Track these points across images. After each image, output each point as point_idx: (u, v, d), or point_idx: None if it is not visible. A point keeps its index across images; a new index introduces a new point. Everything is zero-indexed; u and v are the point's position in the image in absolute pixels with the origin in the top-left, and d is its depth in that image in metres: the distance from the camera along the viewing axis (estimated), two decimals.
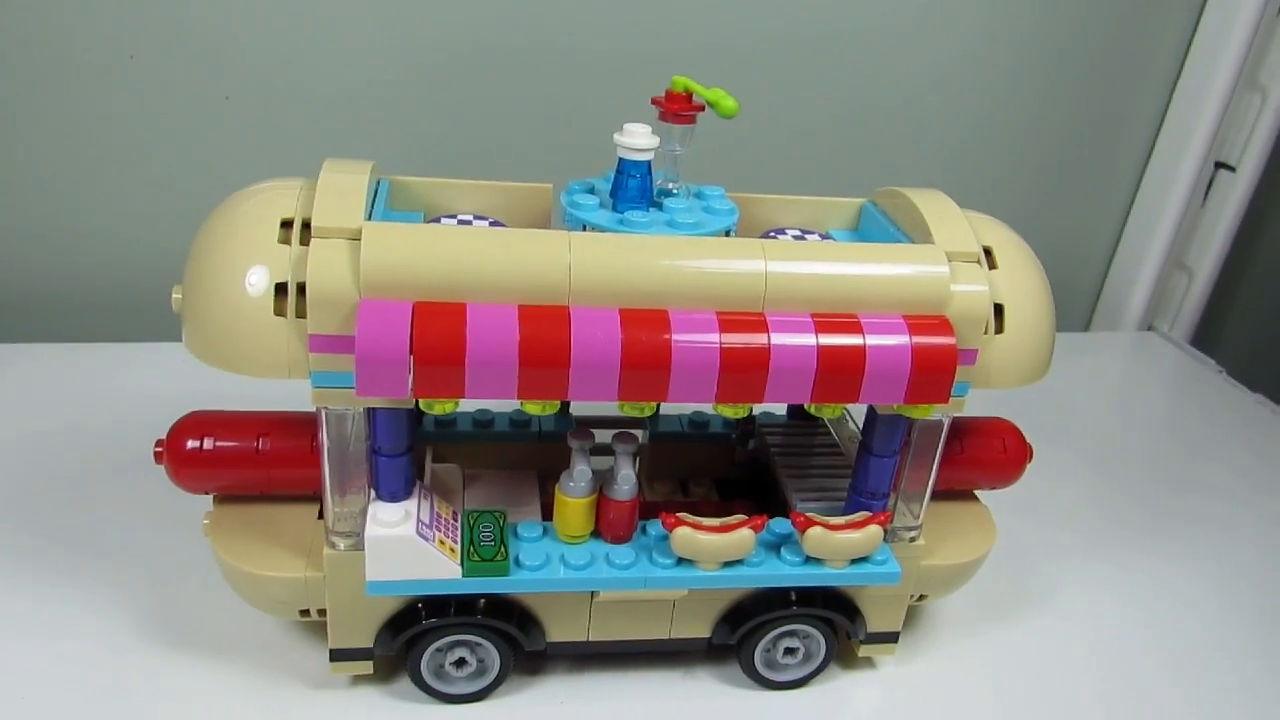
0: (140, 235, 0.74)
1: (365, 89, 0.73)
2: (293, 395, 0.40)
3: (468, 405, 0.51)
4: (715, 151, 0.80)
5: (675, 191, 0.41)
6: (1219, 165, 0.91)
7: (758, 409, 0.53)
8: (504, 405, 0.53)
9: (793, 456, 0.50)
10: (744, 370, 0.36)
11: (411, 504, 0.40)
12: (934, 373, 0.37)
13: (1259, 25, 0.83)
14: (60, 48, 0.68)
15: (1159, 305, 0.97)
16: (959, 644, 0.51)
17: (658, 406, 0.52)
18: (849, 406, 0.42)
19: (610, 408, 0.38)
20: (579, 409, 0.50)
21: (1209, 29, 0.86)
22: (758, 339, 0.36)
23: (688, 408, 0.53)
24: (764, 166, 0.82)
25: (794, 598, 0.43)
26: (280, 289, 0.36)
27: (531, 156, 0.77)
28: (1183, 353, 0.90)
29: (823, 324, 0.37)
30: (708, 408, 0.51)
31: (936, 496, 0.49)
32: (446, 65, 0.73)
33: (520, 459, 0.50)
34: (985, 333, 0.40)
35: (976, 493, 0.51)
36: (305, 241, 0.36)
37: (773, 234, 0.45)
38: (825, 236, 0.46)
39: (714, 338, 0.36)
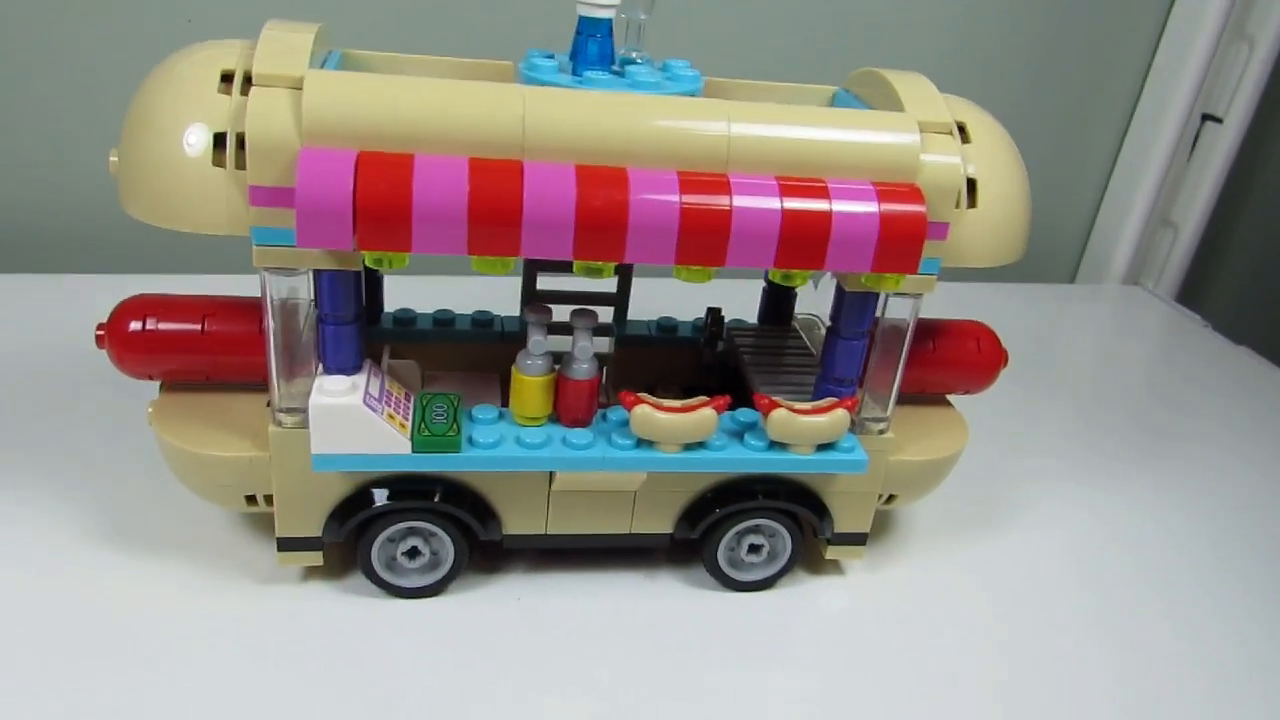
0: (93, 168, 0.72)
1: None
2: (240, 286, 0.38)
3: (427, 304, 0.50)
4: (697, 48, 0.78)
5: (639, 61, 0.40)
6: (1206, 117, 0.89)
7: (730, 311, 0.51)
8: (465, 304, 0.51)
9: (762, 357, 0.49)
10: (704, 231, 0.35)
11: (360, 378, 0.38)
12: (903, 240, 0.36)
13: None
14: None
15: (1144, 261, 0.96)
16: (929, 554, 0.50)
17: (624, 309, 0.51)
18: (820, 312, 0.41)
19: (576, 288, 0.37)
20: (547, 285, 0.48)
21: None
22: (719, 200, 0.35)
23: (655, 312, 0.52)
24: (753, 59, 0.79)
25: (758, 490, 0.42)
26: (220, 140, 0.34)
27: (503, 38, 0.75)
28: (1168, 307, 0.89)
29: (788, 187, 0.36)
30: (676, 311, 0.50)
31: (909, 399, 0.48)
32: None
33: (482, 359, 0.49)
34: (957, 206, 0.38)
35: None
36: (246, 92, 0.34)
37: None
38: None
39: (673, 197, 0.34)
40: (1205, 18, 0.84)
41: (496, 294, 0.55)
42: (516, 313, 0.50)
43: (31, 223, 0.73)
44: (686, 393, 0.50)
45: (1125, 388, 0.72)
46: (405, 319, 0.49)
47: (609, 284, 0.46)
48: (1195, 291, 0.99)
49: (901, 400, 0.46)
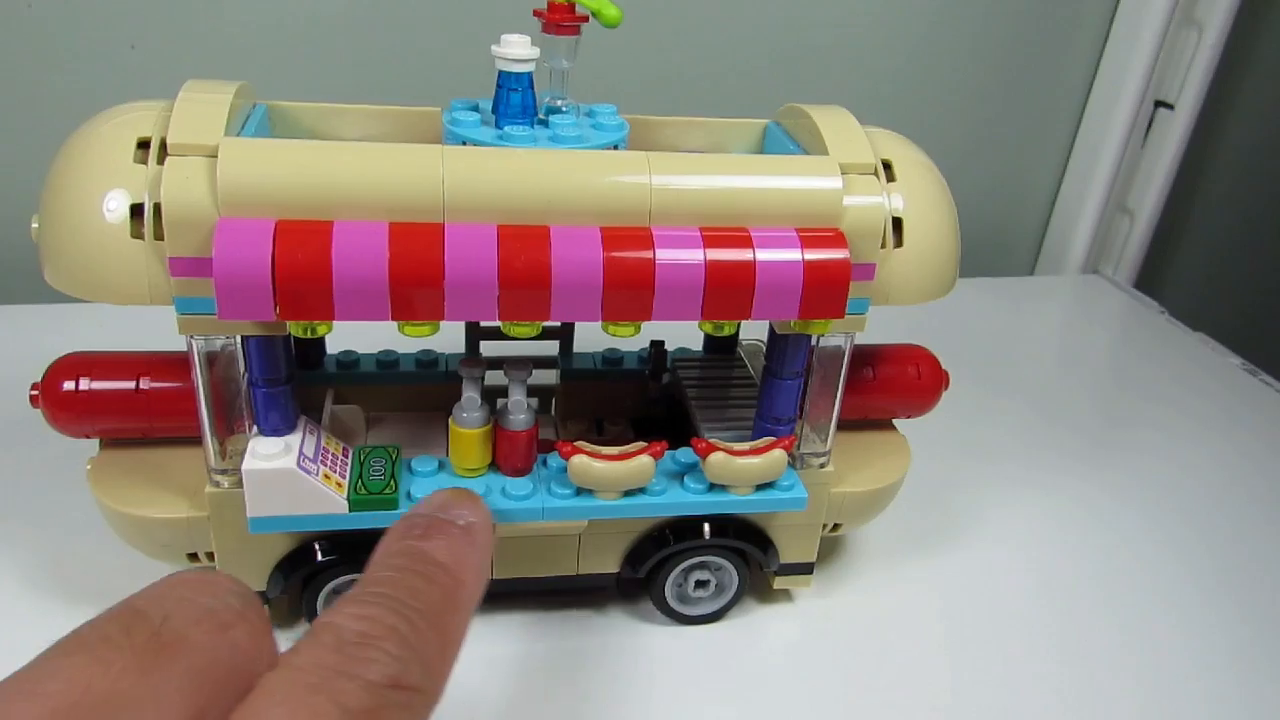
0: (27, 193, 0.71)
1: (277, 28, 0.70)
2: (176, 343, 0.38)
3: (370, 345, 0.50)
4: (643, 85, 0.78)
5: (564, 110, 0.40)
6: (1158, 104, 0.90)
7: (672, 344, 0.52)
8: (410, 345, 0.51)
9: (706, 389, 0.49)
10: (629, 286, 0.35)
11: (294, 438, 0.38)
12: (827, 286, 0.36)
13: None
14: None
15: (1102, 248, 0.97)
16: (879, 576, 0.50)
17: (569, 343, 0.51)
18: (763, 335, 0.41)
19: (520, 342, 0.37)
20: (493, 348, 0.49)
21: None
22: (642, 254, 0.35)
23: (601, 344, 0.52)
24: (697, 97, 0.80)
25: (702, 528, 0.42)
26: (137, 211, 0.34)
27: (438, 87, 0.75)
28: (1126, 295, 0.90)
29: (711, 238, 0.36)
30: (621, 344, 0.50)
31: (853, 426, 0.48)
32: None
33: (427, 400, 0.49)
34: (882, 246, 0.38)
35: (898, 424, 0.50)
36: (162, 161, 0.34)
37: None
38: None
39: (596, 254, 0.34)
40: (1154, 4, 0.84)
41: (440, 334, 0.55)
42: (462, 351, 0.50)
43: None
44: (634, 424, 0.51)
45: (1084, 381, 0.73)
46: (348, 361, 0.49)
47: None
48: (1153, 277, 1.00)
49: (844, 426, 0.46)
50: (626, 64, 0.76)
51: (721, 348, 0.52)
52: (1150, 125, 0.91)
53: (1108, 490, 0.59)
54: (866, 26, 0.81)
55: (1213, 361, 0.77)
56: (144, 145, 0.35)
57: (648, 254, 0.35)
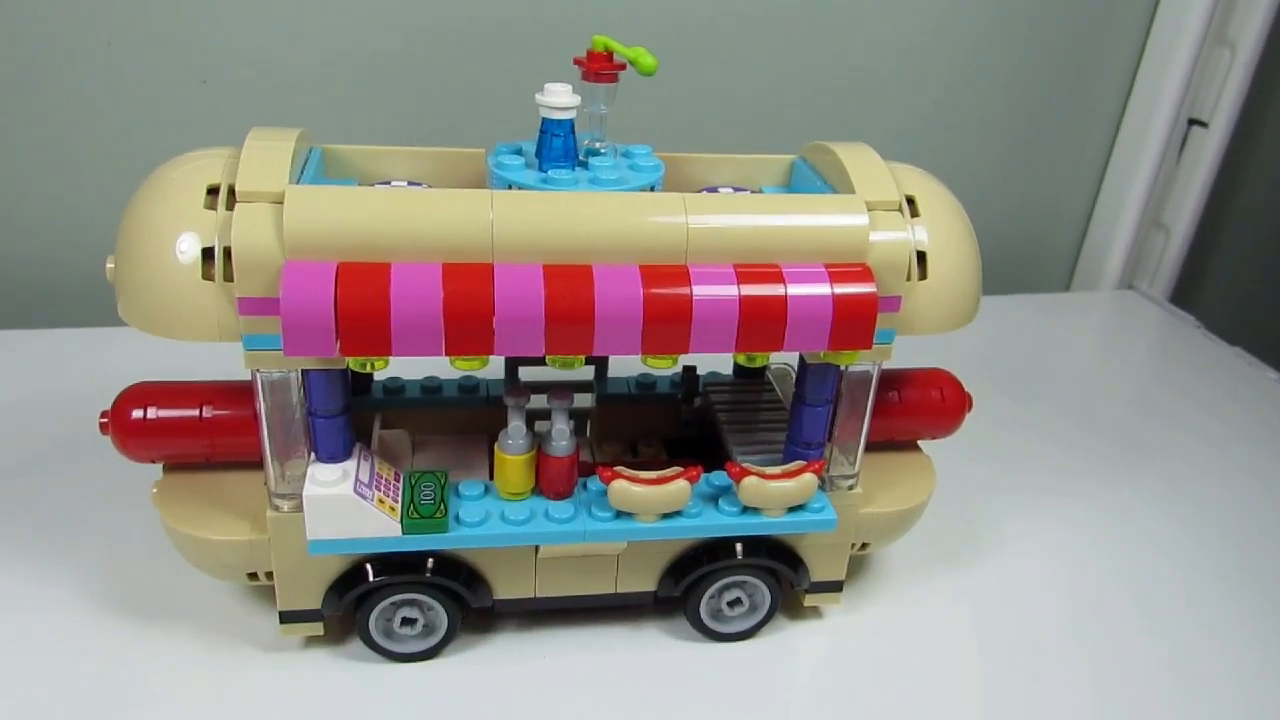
0: (104, 219, 0.74)
1: (337, 70, 0.73)
2: (239, 371, 0.40)
3: (416, 372, 0.53)
4: (688, 123, 0.81)
5: (602, 151, 0.42)
6: (1192, 121, 0.91)
7: (704, 369, 0.54)
8: (452, 372, 0.53)
9: (737, 413, 0.51)
10: (667, 321, 0.37)
11: (350, 464, 0.40)
12: (855, 319, 0.38)
13: None
14: (36, 37, 0.68)
15: (1138, 263, 0.97)
16: (908, 592, 0.52)
17: (604, 368, 0.53)
18: (792, 362, 0.43)
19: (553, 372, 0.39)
20: (530, 373, 0.51)
21: None
22: (680, 290, 0.37)
23: (635, 369, 0.54)
24: (736, 131, 0.82)
25: (735, 548, 0.44)
26: (208, 254, 0.36)
27: (481, 128, 0.77)
28: (1162, 310, 0.91)
29: (744, 274, 0.38)
30: (654, 369, 0.52)
31: (879, 447, 0.50)
32: (404, 47, 0.74)
33: (469, 424, 0.51)
34: (908, 279, 0.40)
35: (923, 444, 0.52)
36: (231, 207, 0.36)
37: (705, 192, 0.46)
38: (758, 193, 0.46)
39: (637, 290, 0.36)
40: (1187, 24, 0.85)
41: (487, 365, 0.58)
42: (501, 376, 0.52)
43: (44, 276, 0.76)
44: (667, 446, 0.53)
45: (1120, 395, 0.74)
46: (394, 388, 0.51)
47: None
48: (1189, 293, 1.01)
49: (871, 447, 0.48)
50: (660, 103, 0.78)
51: (751, 372, 0.54)
52: (1184, 142, 0.92)
53: (1142, 504, 0.60)
54: (905, 46, 0.83)
55: (1249, 375, 0.78)
56: (213, 191, 0.37)
57: (685, 290, 0.37)
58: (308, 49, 0.72)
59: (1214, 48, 0.87)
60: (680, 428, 0.53)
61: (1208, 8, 0.84)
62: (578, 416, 0.55)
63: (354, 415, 0.47)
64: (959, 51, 0.85)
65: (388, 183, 0.44)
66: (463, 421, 0.51)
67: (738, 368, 0.54)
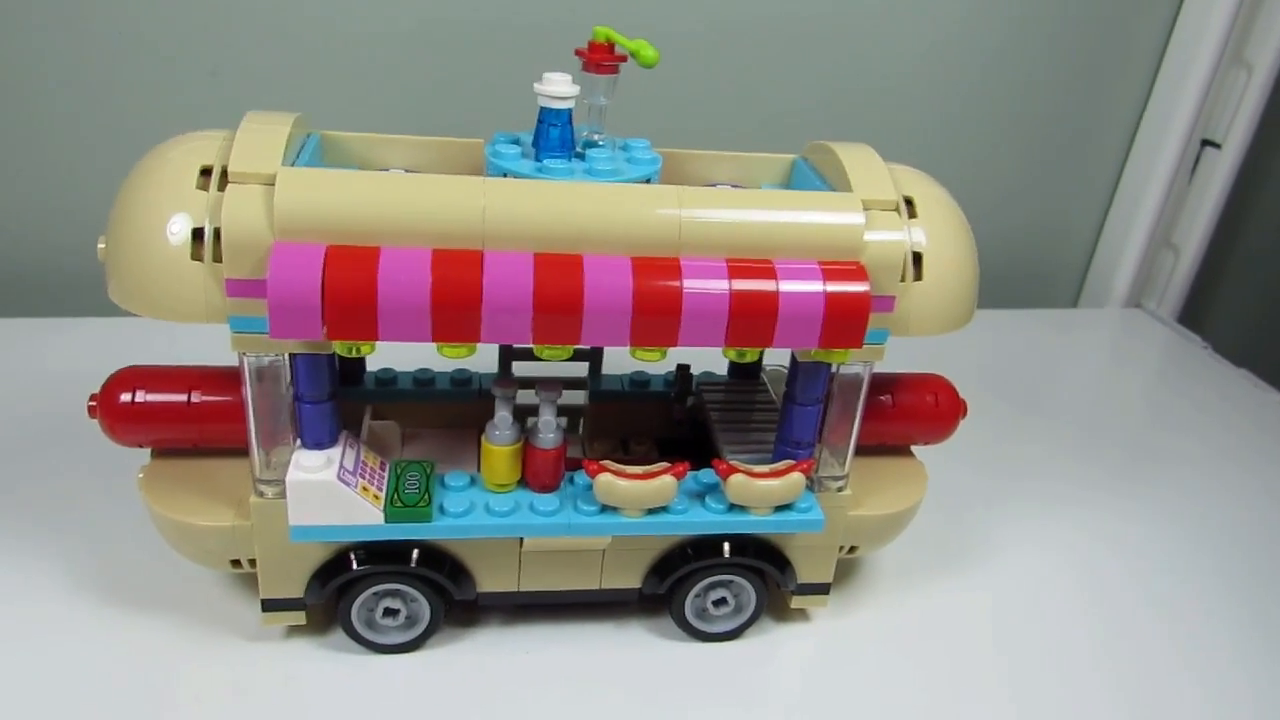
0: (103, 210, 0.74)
1: (347, 62, 0.73)
2: (228, 359, 0.40)
3: (407, 363, 0.52)
4: (701, 125, 0.81)
5: (600, 143, 0.42)
6: (1205, 142, 0.91)
7: (698, 368, 0.53)
8: (445, 364, 0.53)
9: (729, 412, 0.50)
10: (656, 314, 0.37)
11: (335, 451, 0.40)
12: (847, 318, 0.38)
13: (1242, 1, 0.83)
14: (45, 27, 0.68)
15: (1146, 282, 0.97)
16: (898, 597, 0.51)
17: (598, 365, 0.53)
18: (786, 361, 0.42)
19: (548, 363, 0.39)
20: (524, 368, 0.51)
21: (1194, 5, 0.86)
22: (670, 283, 0.37)
23: (628, 367, 0.54)
24: (745, 137, 0.82)
25: (721, 547, 0.44)
26: (198, 234, 0.36)
27: (491, 119, 0.77)
28: (1169, 330, 0.90)
29: (736, 269, 0.37)
30: (648, 367, 0.52)
31: (872, 450, 0.49)
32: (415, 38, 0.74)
33: (461, 417, 0.51)
34: (902, 280, 0.40)
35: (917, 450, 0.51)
36: (224, 188, 0.36)
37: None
38: None
39: (627, 281, 0.36)
40: (1204, 44, 0.85)
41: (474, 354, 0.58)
42: (494, 370, 0.52)
43: (38, 264, 0.76)
44: (659, 445, 0.53)
45: (1123, 413, 0.74)
46: (386, 379, 0.51)
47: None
48: (1197, 313, 1.00)
49: (863, 451, 0.48)
50: (662, 98, 0.78)
51: (745, 373, 0.53)
52: (1197, 163, 0.92)
53: (1139, 521, 0.60)
54: (919, 56, 0.83)
55: (1256, 397, 0.77)
56: (206, 172, 0.37)
57: (675, 283, 0.37)
58: (316, 40, 0.72)
59: (1230, 68, 0.87)
60: (673, 427, 0.53)
61: (1225, 28, 0.84)
62: (570, 413, 0.55)
63: (344, 405, 0.47)
64: (973, 65, 0.85)
65: (386, 170, 0.44)
66: (454, 414, 0.51)
67: (733, 368, 0.54)
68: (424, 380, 0.51)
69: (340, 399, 0.41)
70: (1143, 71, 0.90)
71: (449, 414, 0.51)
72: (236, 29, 0.71)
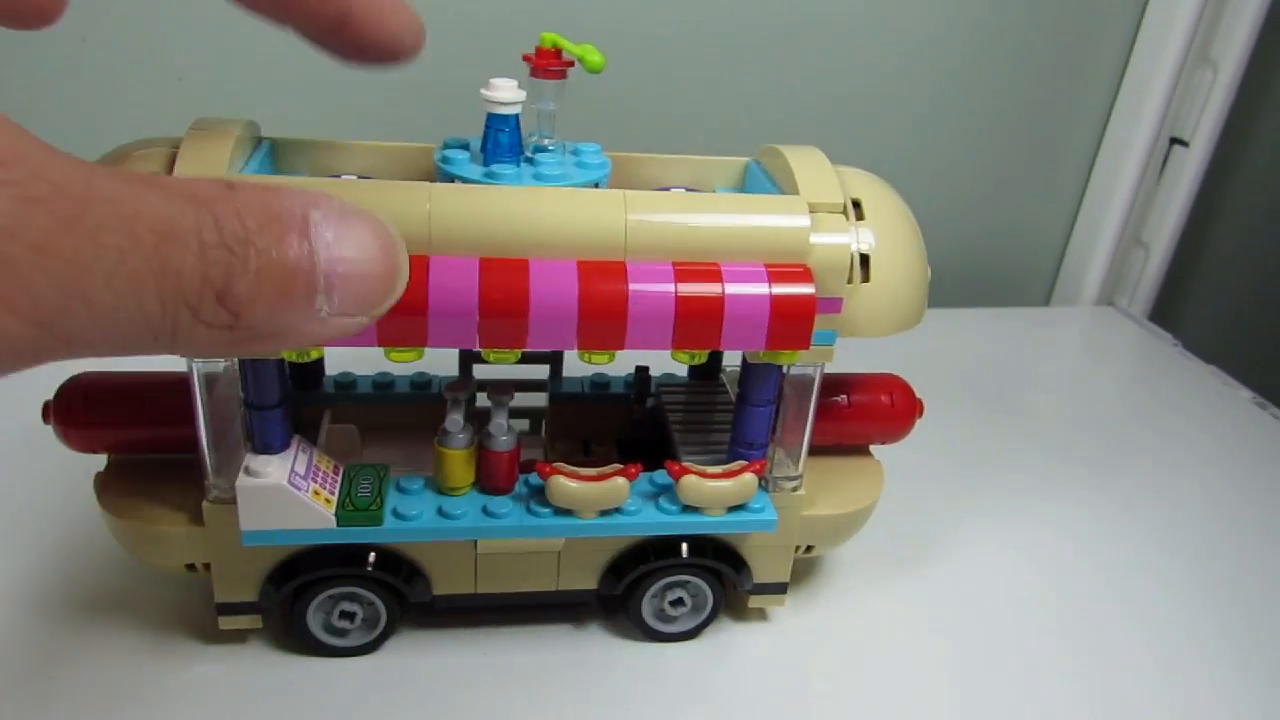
0: None
1: (314, 68, 0.73)
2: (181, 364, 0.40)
3: (367, 368, 0.53)
4: (672, 132, 0.81)
5: (550, 148, 0.42)
6: (1173, 141, 0.92)
7: (658, 370, 0.54)
8: (404, 368, 0.53)
9: (687, 414, 0.51)
10: (603, 316, 0.37)
11: (287, 455, 0.40)
12: (793, 320, 0.38)
13: (1207, 0, 0.84)
14: (8, 32, 0.68)
15: (1117, 280, 0.98)
16: (855, 595, 0.52)
17: (559, 367, 0.53)
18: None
19: (511, 367, 0.39)
20: (488, 370, 0.51)
21: (1159, 5, 0.86)
22: (616, 287, 0.37)
23: (590, 369, 0.54)
24: (711, 143, 0.82)
25: (677, 548, 0.44)
26: None
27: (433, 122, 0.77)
28: (1140, 327, 0.91)
29: (682, 272, 0.38)
30: (609, 369, 0.52)
31: (829, 450, 0.50)
32: None
33: (421, 420, 0.51)
34: (850, 282, 0.40)
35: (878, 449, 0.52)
36: None
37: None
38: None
39: (572, 286, 0.36)
40: (1170, 43, 0.86)
41: (434, 356, 0.58)
42: (455, 372, 0.52)
43: None
44: (620, 446, 0.53)
45: (1093, 411, 0.74)
46: (345, 383, 0.51)
47: None
48: (1168, 310, 1.01)
49: (821, 450, 0.48)
50: (618, 102, 0.79)
51: (704, 373, 0.54)
52: (1165, 161, 0.93)
53: (1103, 519, 0.60)
54: (888, 58, 0.84)
55: (1224, 395, 0.78)
56: None
57: (621, 287, 0.37)
58: (279, 44, 0.72)
59: (1196, 67, 0.88)
60: (633, 428, 0.53)
61: (1190, 27, 0.85)
62: (533, 415, 0.55)
63: (302, 408, 0.47)
64: (941, 67, 0.85)
65: (337, 176, 0.44)
66: (414, 417, 0.51)
67: (693, 369, 0.54)
68: (383, 384, 0.51)
69: (291, 404, 0.41)
70: (1110, 71, 0.90)
71: (409, 417, 0.51)
72: (201, 34, 0.71)
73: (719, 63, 0.80)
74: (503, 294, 0.36)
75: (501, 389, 0.42)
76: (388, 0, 0.33)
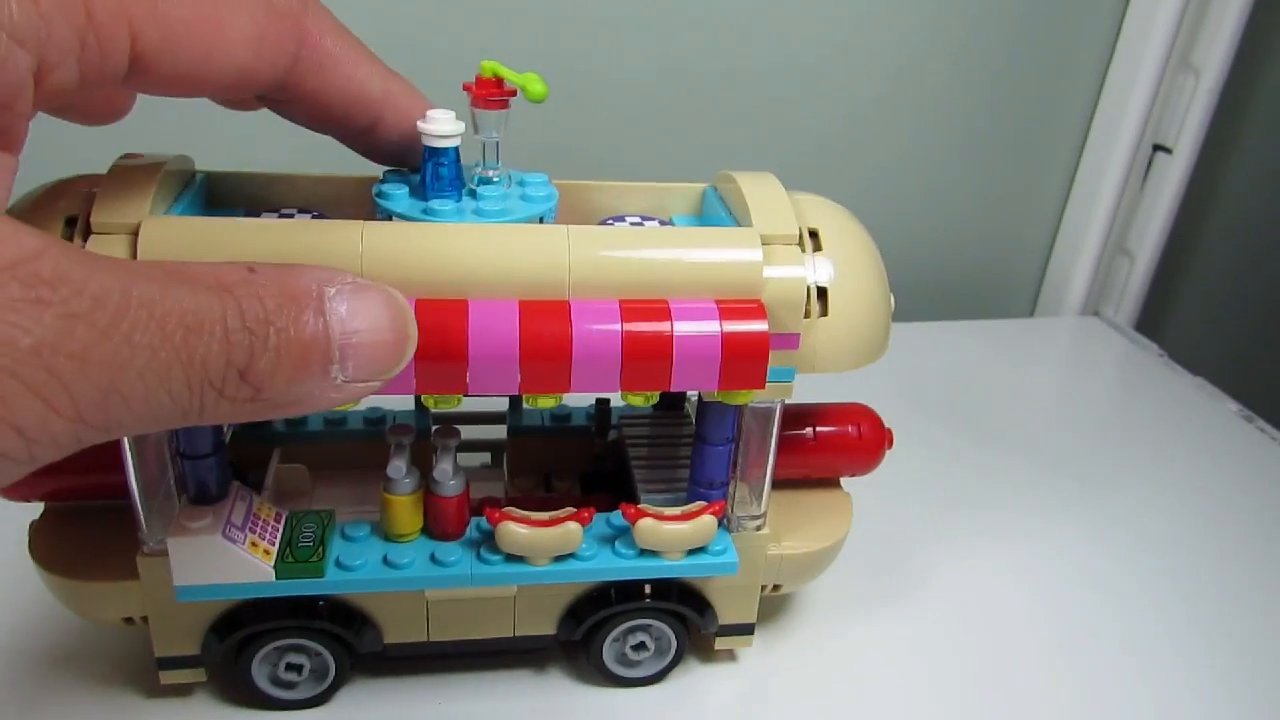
0: None
1: None
2: None
3: None
4: (650, 163, 0.79)
5: (495, 179, 0.40)
6: (1156, 147, 0.90)
7: (619, 399, 0.52)
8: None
9: (651, 447, 0.49)
10: (545, 359, 0.35)
11: (223, 506, 0.38)
12: (746, 358, 0.36)
13: (1188, 5, 0.83)
14: None
15: (1102, 290, 0.96)
16: (826, 632, 0.50)
17: (518, 400, 0.51)
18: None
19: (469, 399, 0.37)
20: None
21: (1138, 10, 0.85)
22: (559, 327, 0.35)
23: None
24: (702, 168, 0.81)
25: (637, 591, 0.43)
26: None
27: None
28: (1125, 338, 0.89)
29: (629, 310, 0.36)
30: (570, 399, 0.51)
31: (797, 484, 0.48)
32: None
33: (373, 458, 0.49)
34: (807, 316, 0.39)
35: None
36: (87, 239, 0.35)
37: (610, 221, 0.44)
38: (666, 223, 0.45)
39: (512, 327, 0.35)
40: (1151, 50, 0.84)
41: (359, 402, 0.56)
42: (410, 408, 0.50)
43: None
44: (583, 480, 0.51)
45: (1079, 424, 0.73)
46: (295, 420, 0.49)
47: None
48: (1154, 320, 1.00)
49: (788, 484, 0.47)
50: (580, 129, 0.77)
51: (668, 404, 0.52)
52: (1149, 168, 0.91)
53: (1088, 532, 0.59)
54: (868, 74, 0.82)
55: (1209, 408, 0.76)
56: (72, 223, 0.36)
57: (564, 327, 0.35)
58: None
59: (1178, 73, 0.86)
60: (595, 462, 0.52)
61: (1171, 33, 0.83)
62: (493, 449, 0.54)
63: (250, 447, 0.45)
64: (923, 77, 0.84)
65: (275, 212, 0.42)
66: (367, 454, 0.49)
67: (661, 399, 0.52)
68: (335, 420, 0.50)
69: (232, 447, 0.39)
70: (1091, 78, 0.89)
71: (363, 453, 0.49)
72: None
73: (696, 86, 0.79)
74: (439, 337, 0.34)
75: (447, 432, 0.40)
76: (414, 106, 0.37)
